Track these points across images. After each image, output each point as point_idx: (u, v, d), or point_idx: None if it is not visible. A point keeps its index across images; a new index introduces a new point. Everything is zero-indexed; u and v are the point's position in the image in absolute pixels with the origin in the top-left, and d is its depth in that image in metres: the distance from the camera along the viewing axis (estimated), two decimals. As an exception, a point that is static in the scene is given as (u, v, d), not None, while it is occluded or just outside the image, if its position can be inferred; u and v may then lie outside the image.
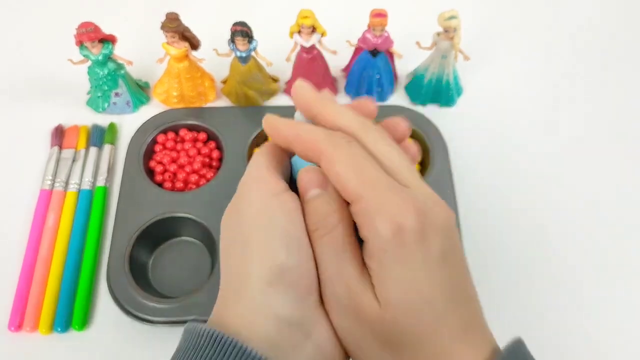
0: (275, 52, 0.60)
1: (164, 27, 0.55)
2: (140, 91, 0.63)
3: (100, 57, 0.57)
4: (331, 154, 0.25)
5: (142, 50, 0.63)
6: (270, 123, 0.28)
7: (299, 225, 0.26)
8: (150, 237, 0.52)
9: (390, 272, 0.24)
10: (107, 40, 0.57)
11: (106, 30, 0.56)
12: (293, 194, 0.27)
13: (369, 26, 0.57)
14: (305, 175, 0.26)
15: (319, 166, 0.26)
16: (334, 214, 0.25)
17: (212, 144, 0.59)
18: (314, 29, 0.57)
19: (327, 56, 0.61)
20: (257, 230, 0.26)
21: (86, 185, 0.56)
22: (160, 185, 0.56)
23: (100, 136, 0.60)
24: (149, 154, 0.58)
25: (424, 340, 0.24)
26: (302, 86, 0.28)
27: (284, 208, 0.26)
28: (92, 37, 0.55)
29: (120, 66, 0.60)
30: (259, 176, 0.28)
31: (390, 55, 0.61)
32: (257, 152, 0.30)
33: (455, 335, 0.24)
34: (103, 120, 0.61)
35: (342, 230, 0.25)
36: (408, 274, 0.24)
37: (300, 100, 0.28)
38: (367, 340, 0.25)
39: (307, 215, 0.26)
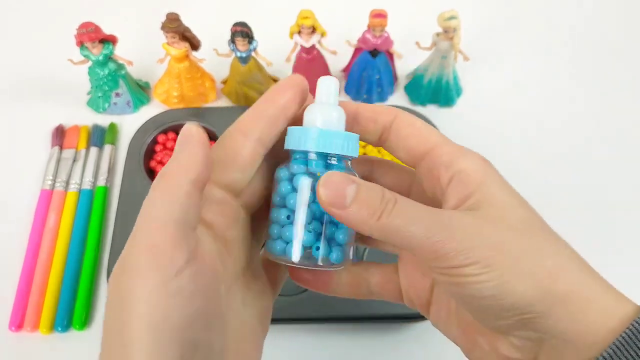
0: (275, 52, 0.60)
1: (164, 27, 0.56)
2: (140, 91, 0.63)
3: (100, 58, 0.57)
4: (408, 114, 0.28)
5: (142, 50, 0.63)
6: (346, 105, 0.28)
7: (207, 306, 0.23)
8: (151, 237, 0.52)
9: (501, 196, 0.25)
10: (108, 40, 0.57)
11: (107, 30, 0.57)
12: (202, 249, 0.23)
13: (368, 26, 0.57)
14: (332, 181, 0.24)
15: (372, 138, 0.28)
16: (384, 190, 0.24)
17: (213, 144, 0.59)
18: (314, 30, 0.57)
19: (327, 56, 0.61)
20: (145, 332, 0.21)
21: (87, 185, 0.56)
22: (160, 185, 0.56)
23: (100, 136, 0.60)
24: (150, 154, 0.58)
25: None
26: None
27: (184, 293, 0.21)
28: (93, 37, 0.55)
29: (120, 66, 0.60)
30: (152, 247, 0.22)
31: (390, 55, 0.61)
32: (158, 190, 0.23)
33: (598, 282, 0.24)
34: (103, 120, 0.62)
35: (403, 197, 0.25)
36: (509, 187, 0.26)
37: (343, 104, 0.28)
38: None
39: (362, 207, 0.24)
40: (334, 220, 0.26)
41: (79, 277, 0.51)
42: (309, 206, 0.26)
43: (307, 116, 0.27)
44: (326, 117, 0.26)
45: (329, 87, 0.28)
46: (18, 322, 0.48)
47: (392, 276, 0.30)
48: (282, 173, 0.27)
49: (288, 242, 0.26)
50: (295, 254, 0.26)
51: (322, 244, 0.26)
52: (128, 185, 0.55)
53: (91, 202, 0.55)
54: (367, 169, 0.30)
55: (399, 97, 0.64)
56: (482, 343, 0.26)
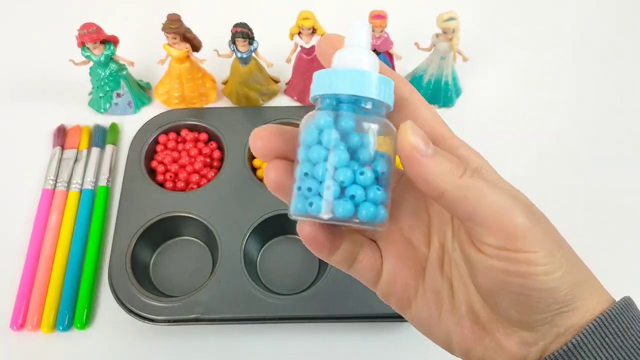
0: (276, 53, 0.61)
1: (165, 28, 0.56)
2: (141, 92, 0.63)
3: (102, 58, 0.57)
4: (419, 96, 0.27)
5: (143, 51, 0.63)
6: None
7: None
8: (152, 237, 0.52)
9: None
10: (109, 41, 0.57)
11: (108, 31, 0.57)
12: None
13: (368, 27, 0.58)
14: (416, 127, 0.23)
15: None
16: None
17: (213, 144, 0.59)
18: (314, 30, 0.57)
19: (327, 57, 0.61)
20: None
21: (88, 185, 0.56)
22: (161, 185, 0.56)
23: (102, 136, 0.60)
24: (151, 154, 0.58)
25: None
26: None
27: None
28: (94, 38, 0.55)
29: (122, 67, 0.60)
30: None
31: (390, 56, 0.61)
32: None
33: (582, 276, 0.24)
34: (105, 120, 0.62)
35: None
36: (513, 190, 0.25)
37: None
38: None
39: (445, 160, 0.23)
40: (377, 174, 0.23)
41: (80, 277, 0.51)
42: (343, 158, 0.23)
43: (337, 58, 0.24)
44: (360, 58, 0.23)
45: (360, 30, 0.24)
46: (20, 322, 0.49)
47: (376, 263, 0.28)
48: (315, 122, 0.23)
49: (322, 196, 0.23)
50: (339, 209, 0.23)
51: (365, 200, 0.23)
52: (129, 185, 0.55)
53: (93, 202, 0.55)
54: None
55: (398, 98, 0.64)
56: (485, 339, 0.26)
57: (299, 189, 0.23)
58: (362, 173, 0.23)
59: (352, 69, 0.23)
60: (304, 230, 0.25)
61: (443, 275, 0.27)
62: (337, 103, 0.23)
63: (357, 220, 0.23)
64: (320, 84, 0.23)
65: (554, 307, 0.23)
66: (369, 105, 0.23)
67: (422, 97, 0.27)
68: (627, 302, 0.24)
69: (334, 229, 0.26)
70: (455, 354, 0.27)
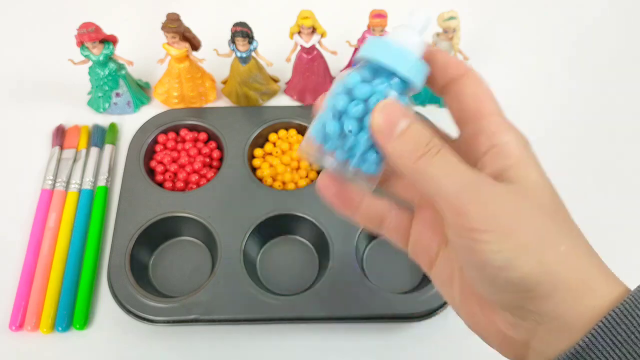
0: (276, 52, 0.61)
1: (164, 27, 0.56)
2: (141, 91, 0.63)
3: (101, 58, 0.57)
4: (478, 75, 0.28)
5: (142, 50, 0.63)
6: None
7: None
8: (151, 237, 0.52)
9: (535, 176, 0.26)
10: (108, 40, 0.57)
11: (107, 30, 0.57)
12: None
13: (368, 27, 0.57)
14: (388, 108, 0.25)
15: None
16: (434, 136, 0.25)
17: (213, 144, 0.59)
18: (314, 30, 0.57)
19: (327, 56, 0.61)
20: None
21: (87, 185, 0.56)
22: (161, 185, 0.56)
23: (101, 136, 0.60)
24: (150, 154, 0.58)
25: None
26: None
27: None
28: (93, 37, 0.55)
29: (121, 66, 0.60)
30: None
31: (390, 55, 0.61)
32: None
33: (591, 263, 0.24)
34: (104, 120, 0.62)
35: (448, 148, 0.25)
36: (548, 180, 0.27)
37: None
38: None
39: (407, 143, 0.24)
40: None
41: (79, 277, 0.51)
42: (355, 113, 0.25)
43: (392, 33, 0.27)
44: (408, 38, 0.26)
45: (423, 20, 0.27)
46: (19, 322, 0.49)
47: (405, 223, 0.30)
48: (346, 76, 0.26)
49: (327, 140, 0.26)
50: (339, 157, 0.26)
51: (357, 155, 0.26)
52: (128, 185, 0.55)
53: (91, 202, 0.55)
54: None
55: (399, 97, 0.64)
56: (479, 314, 0.27)
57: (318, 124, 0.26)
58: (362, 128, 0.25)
59: (394, 44, 0.26)
60: (319, 181, 0.28)
61: None
62: (372, 69, 0.26)
63: (342, 163, 0.26)
64: (365, 48, 0.26)
65: (516, 289, 0.23)
66: (395, 80, 0.26)
67: (474, 77, 0.28)
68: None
69: (349, 186, 0.28)
70: (468, 325, 0.28)
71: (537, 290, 0.23)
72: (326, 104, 0.26)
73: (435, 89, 0.29)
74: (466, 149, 0.27)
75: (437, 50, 0.28)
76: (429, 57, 0.28)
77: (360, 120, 0.25)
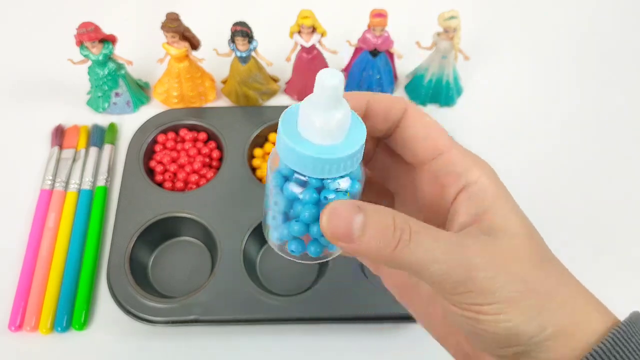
0: (275, 52, 0.60)
1: (164, 27, 0.55)
2: (140, 91, 0.63)
3: (100, 57, 0.57)
4: (417, 108, 0.26)
5: (142, 50, 0.63)
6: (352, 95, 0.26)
7: None
8: (151, 237, 0.52)
9: (514, 220, 0.24)
10: (108, 40, 0.57)
11: (106, 30, 0.56)
12: None
13: (369, 26, 0.57)
14: (336, 213, 0.22)
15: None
16: (395, 216, 0.23)
17: (212, 144, 0.59)
18: (314, 29, 0.57)
19: (327, 56, 0.61)
20: None
21: (86, 185, 0.56)
22: (160, 185, 0.56)
23: (100, 136, 0.60)
24: (149, 153, 0.58)
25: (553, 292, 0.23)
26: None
27: None
28: (93, 37, 0.55)
29: (120, 66, 0.60)
30: None
31: (390, 55, 0.61)
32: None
33: (582, 295, 0.24)
34: (103, 120, 0.61)
35: (416, 220, 0.23)
36: (518, 211, 0.25)
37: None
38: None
39: (372, 241, 0.22)
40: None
41: (78, 277, 0.51)
42: (287, 206, 0.24)
43: (303, 119, 0.23)
44: (324, 128, 0.22)
45: (327, 87, 0.22)
46: (18, 322, 0.48)
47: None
48: (277, 178, 0.24)
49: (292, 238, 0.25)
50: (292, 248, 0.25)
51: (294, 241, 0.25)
52: (128, 185, 0.55)
53: (91, 202, 0.55)
54: (360, 106, 0.26)
55: (399, 97, 0.64)
56: (471, 356, 0.26)
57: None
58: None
59: (313, 155, 0.22)
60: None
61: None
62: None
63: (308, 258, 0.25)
64: (282, 152, 0.23)
65: (516, 344, 0.23)
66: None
67: (416, 111, 0.26)
68: (625, 330, 0.23)
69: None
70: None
71: (533, 343, 0.23)
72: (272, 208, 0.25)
73: (379, 136, 0.27)
74: (430, 189, 0.26)
75: (369, 99, 0.26)
76: (364, 111, 0.26)
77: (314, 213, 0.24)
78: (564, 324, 0.23)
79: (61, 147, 0.59)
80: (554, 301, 0.23)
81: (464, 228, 0.24)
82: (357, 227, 0.22)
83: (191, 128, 0.60)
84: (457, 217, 0.25)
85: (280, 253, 0.26)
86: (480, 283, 0.22)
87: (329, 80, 0.21)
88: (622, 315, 0.24)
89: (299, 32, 0.57)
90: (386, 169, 0.29)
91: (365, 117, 0.26)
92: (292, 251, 0.25)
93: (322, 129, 0.22)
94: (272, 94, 0.63)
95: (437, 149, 0.26)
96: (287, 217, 0.25)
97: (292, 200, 0.24)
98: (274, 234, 0.26)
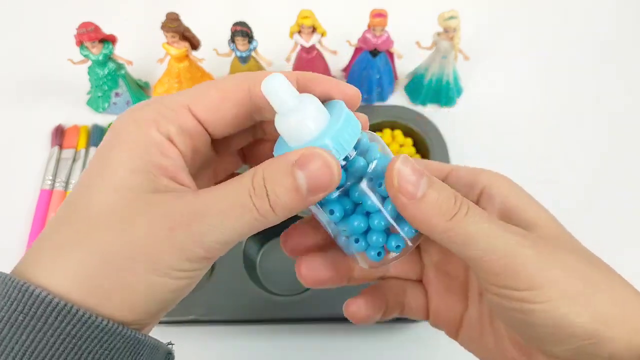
0: (275, 52, 0.60)
1: (164, 27, 0.55)
2: (140, 91, 0.63)
3: (100, 57, 0.57)
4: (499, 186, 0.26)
5: (142, 50, 0.63)
6: None
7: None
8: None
9: (538, 212, 0.25)
10: (107, 40, 0.57)
11: (106, 30, 0.56)
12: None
13: (369, 26, 0.57)
14: (407, 168, 0.22)
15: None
16: (457, 192, 0.23)
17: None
18: (314, 29, 0.57)
19: (327, 56, 0.61)
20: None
21: (86, 185, 0.56)
22: (160, 185, 0.56)
23: (100, 136, 0.60)
24: (149, 154, 0.58)
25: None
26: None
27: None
28: (93, 37, 0.55)
29: (120, 66, 0.60)
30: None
31: (390, 55, 0.61)
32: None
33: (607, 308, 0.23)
34: (103, 120, 0.61)
35: (474, 204, 0.23)
36: (543, 207, 0.25)
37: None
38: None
39: (433, 205, 0.22)
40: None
41: (78, 277, 0.51)
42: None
43: (285, 133, 0.23)
44: (301, 122, 0.22)
45: (270, 92, 0.22)
46: (17, 322, 0.48)
47: (421, 302, 0.29)
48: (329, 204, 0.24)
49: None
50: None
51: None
52: (128, 185, 0.55)
53: (91, 202, 0.55)
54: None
55: (398, 97, 0.64)
56: (519, 358, 0.26)
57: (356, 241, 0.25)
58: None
59: (317, 139, 0.22)
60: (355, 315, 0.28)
61: (482, 301, 0.27)
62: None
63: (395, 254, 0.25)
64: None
65: (573, 341, 0.22)
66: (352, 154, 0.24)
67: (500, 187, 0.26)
68: None
69: (374, 299, 0.28)
70: None
71: (594, 337, 0.22)
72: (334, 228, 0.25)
73: None
74: None
75: (455, 171, 0.27)
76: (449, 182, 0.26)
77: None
78: (615, 315, 0.22)
79: (61, 147, 0.59)
80: (604, 292, 0.22)
81: None
82: (423, 186, 0.22)
83: (191, 128, 0.59)
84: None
85: (377, 264, 0.26)
86: (530, 267, 0.22)
87: (266, 86, 0.22)
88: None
89: (299, 32, 0.57)
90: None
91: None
92: (377, 255, 0.25)
93: (300, 123, 0.22)
94: (272, 94, 0.63)
95: (442, 172, 0.26)
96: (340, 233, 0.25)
97: (339, 207, 0.24)
98: (357, 248, 0.25)
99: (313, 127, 0.22)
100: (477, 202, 0.25)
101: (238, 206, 0.21)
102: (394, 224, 0.24)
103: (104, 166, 0.22)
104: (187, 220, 0.21)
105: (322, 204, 0.24)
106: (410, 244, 0.25)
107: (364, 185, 0.24)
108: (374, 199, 0.24)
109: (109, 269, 0.20)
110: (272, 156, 0.23)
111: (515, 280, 0.22)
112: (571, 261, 0.23)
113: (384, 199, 0.24)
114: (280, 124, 0.23)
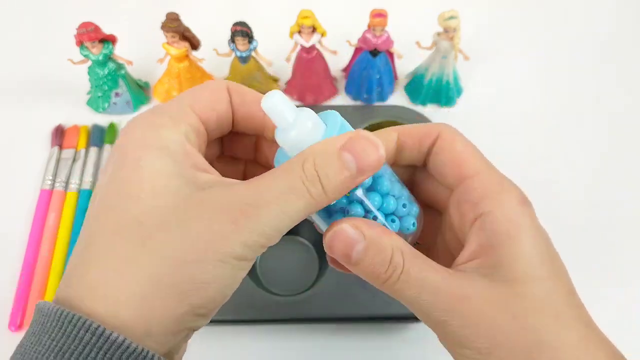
0: (275, 52, 0.60)
1: (164, 27, 0.55)
2: (140, 91, 0.63)
3: (100, 57, 0.57)
4: (451, 131, 0.26)
5: (142, 50, 0.63)
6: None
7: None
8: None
9: (527, 259, 0.23)
10: (107, 40, 0.57)
11: (106, 30, 0.56)
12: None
13: (369, 26, 0.57)
14: (340, 237, 0.24)
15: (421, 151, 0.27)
16: (394, 252, 0.24)
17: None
18: (314, 29, 0.57)
19: (327, 56, 0.61)
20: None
21: (86, 185, 0.56)
22: (160, 185, 0.56)
23: (100, 136, 0.60)
24: (149, 154, 0.58)
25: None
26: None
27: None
28: (93, 37, 0.55)
29: (120, 66, 0.60)
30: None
31: (390, 55, 0.61)
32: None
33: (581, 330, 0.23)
34: (103, 120, 0.61)
35: (415, 255, 0.24)
36: (542, 245, 0.24)
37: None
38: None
39: (366, 269, 0.24)
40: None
41: (78, 277, 0.51)
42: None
43: (286, 145, 0.25)
44: (301, 131, 0.24)
45: (275, 108, 0.24)
46: (18, 322, 0.48)
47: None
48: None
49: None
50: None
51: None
52: (128, 185, 0.55)
53: (91, 202, 0.55)
54: (389, 145, 0.27)
55: (398, 97, 0.64)
56: None
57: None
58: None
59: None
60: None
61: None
62: None
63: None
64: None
65: None
66: None
67: (449, 134, 0.26)
68: None
69: None
70: None
71: None
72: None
73: (419, 165, 0.28)
74: (456, 220, 0.26)
75: (400, 132, 0.27)
76: (397, 146, 0.26)
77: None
78: None
79: (61, 147, 0.59)
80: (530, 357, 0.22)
81: (471, 259, 0.24)
82: (357, 254, 0.24)
83: (191, 128, 0.60)
84: (468, 246, 0.24)
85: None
86: (463, 327, 0.23)
87: (266, 102, 0.23)
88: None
89: (299, 32, 0.57)
90: (430, 191, 0.29)
91: (398, 151, 0.26)
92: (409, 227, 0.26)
93: (299, 136, 0.24)
94: (272, 94, 0.63)
95: (461, 175, 0.26)
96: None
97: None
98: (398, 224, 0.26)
99: (311, 139, 0.24)
100: (472, 223, 0.25)
101: (292, 193, 0.22)
102: (387, 226, 0.26)
103: (139, 175, 0.22)
104: (247, 212, 0.22)
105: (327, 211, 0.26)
106: (408, 240, 0.26)
107: (359, 192, 0.25)
108: (368, 204, 0.25)
109: (180, 273, 0.21)
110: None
111: (452, 336, 0.24)
112: (506, 322, 0.23)
113: (382, 197, 0.26)
114: (281, 138, 0.24)
